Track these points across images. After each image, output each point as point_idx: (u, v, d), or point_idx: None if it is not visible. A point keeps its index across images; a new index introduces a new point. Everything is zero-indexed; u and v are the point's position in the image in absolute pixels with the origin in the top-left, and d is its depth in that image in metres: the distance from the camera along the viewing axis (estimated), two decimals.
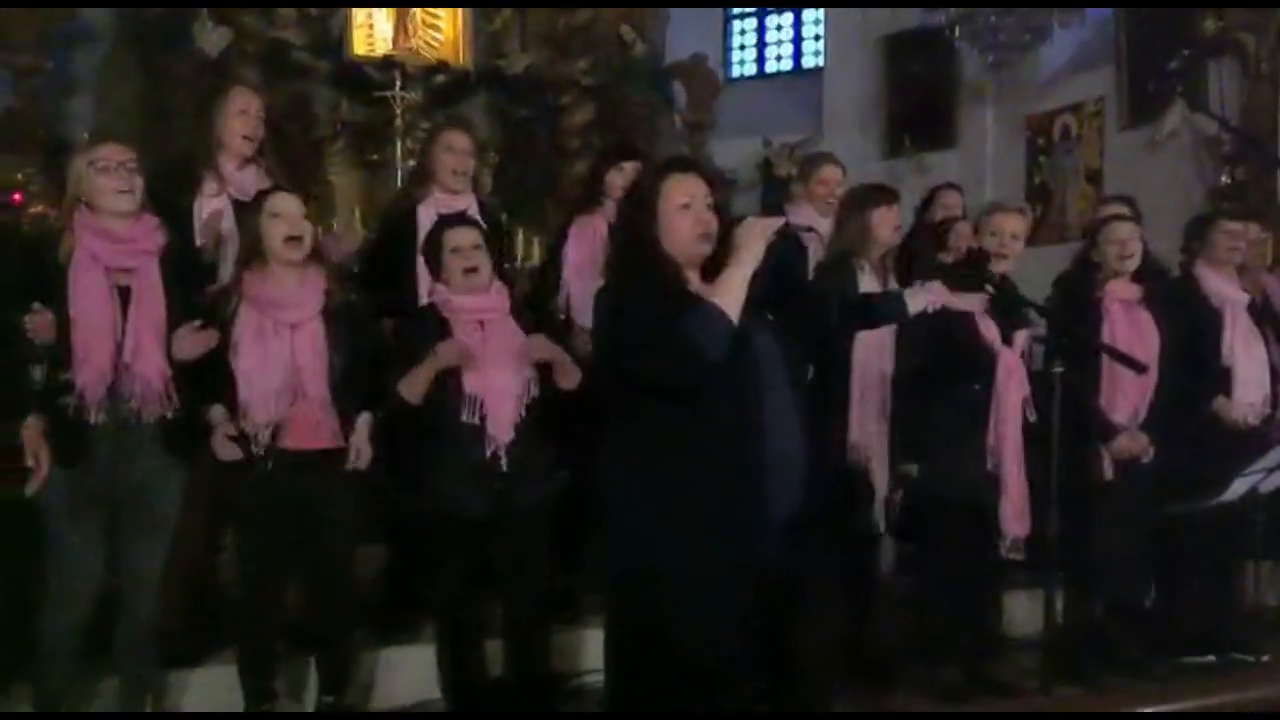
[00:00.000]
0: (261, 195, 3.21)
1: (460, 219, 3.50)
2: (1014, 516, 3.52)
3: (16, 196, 5.74)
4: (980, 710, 3.40)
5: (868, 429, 3.64)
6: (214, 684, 3.30)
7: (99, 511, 2.95)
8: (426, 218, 3.77)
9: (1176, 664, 3.84)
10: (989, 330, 3.57)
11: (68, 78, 6.48)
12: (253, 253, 3.13)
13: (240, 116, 3.57)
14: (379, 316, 3.72)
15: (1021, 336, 3.67)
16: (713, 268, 2.39)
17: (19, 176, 5.79)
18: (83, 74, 6.51)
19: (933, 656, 3.65)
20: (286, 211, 3.12)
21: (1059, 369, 3.22)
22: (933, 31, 7.03)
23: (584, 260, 3.92)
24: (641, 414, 2.28)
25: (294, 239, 3.11)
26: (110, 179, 2.91)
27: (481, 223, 3.57)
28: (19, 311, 2.83)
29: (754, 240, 2.29)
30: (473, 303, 3.30)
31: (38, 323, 2.82)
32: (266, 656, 3.23)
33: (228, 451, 3.05)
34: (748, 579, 2.15)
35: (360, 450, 3.18)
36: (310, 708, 3.34)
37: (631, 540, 2.25)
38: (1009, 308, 3.53)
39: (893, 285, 3.65)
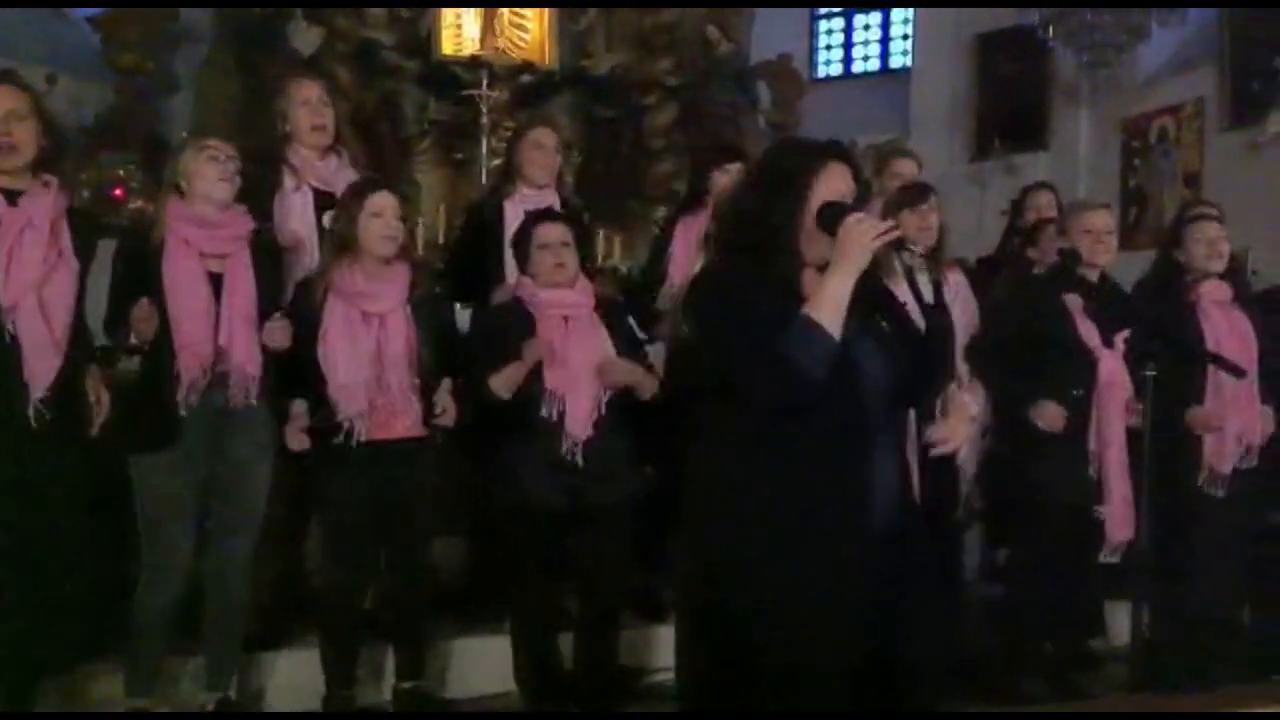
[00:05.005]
0: (362, 191, 3.22)
1: (550, 215, 3.54)
2: (1118, 523, 3.43)
3: (118, 192, 5.94)
4: (982, 711, 3.34)
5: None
6: (297, 667, 3.37)
7: (192, 496, 3.03)
8: (513, 214, 3.80)
9: (1273, 682, 3.68)
10: (1089, 332, 3.48)
11: (168, 77, 6.68)
12: (345, 246, 3.17)
13: (304, 107, 3.58)
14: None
15: (1123, 339, 3.56)
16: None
17: (120, 173, 5.98)
18: (182, 73, 6.71)
19: (1018, 665, 3.57)
20: (386, 210, 3.18)
21: (1150, 372, 3.13)
22: (1026, 30, 6.87)
23: (688, 258, 3.91)
24: (741, 411, 2.10)
25: (390, 237, 3.17)
26: (217, 167, 3.02)
27: (572, 220, 3.59)
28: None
29: (859, 246, 2.02)
30: (558, 298, 3.33)
31: (139, 315, 2.88)
32: (347, 643, 3.28)
33: (298, 443, 3.13)
34: (847, 586, 2.03)
35: (446, 408, 3.23)
36: (387, 694, 3.38)
37: (725, 541, 2.12)
38: (1110, 308, 3.44)
39: (925, 288, 3.58)
